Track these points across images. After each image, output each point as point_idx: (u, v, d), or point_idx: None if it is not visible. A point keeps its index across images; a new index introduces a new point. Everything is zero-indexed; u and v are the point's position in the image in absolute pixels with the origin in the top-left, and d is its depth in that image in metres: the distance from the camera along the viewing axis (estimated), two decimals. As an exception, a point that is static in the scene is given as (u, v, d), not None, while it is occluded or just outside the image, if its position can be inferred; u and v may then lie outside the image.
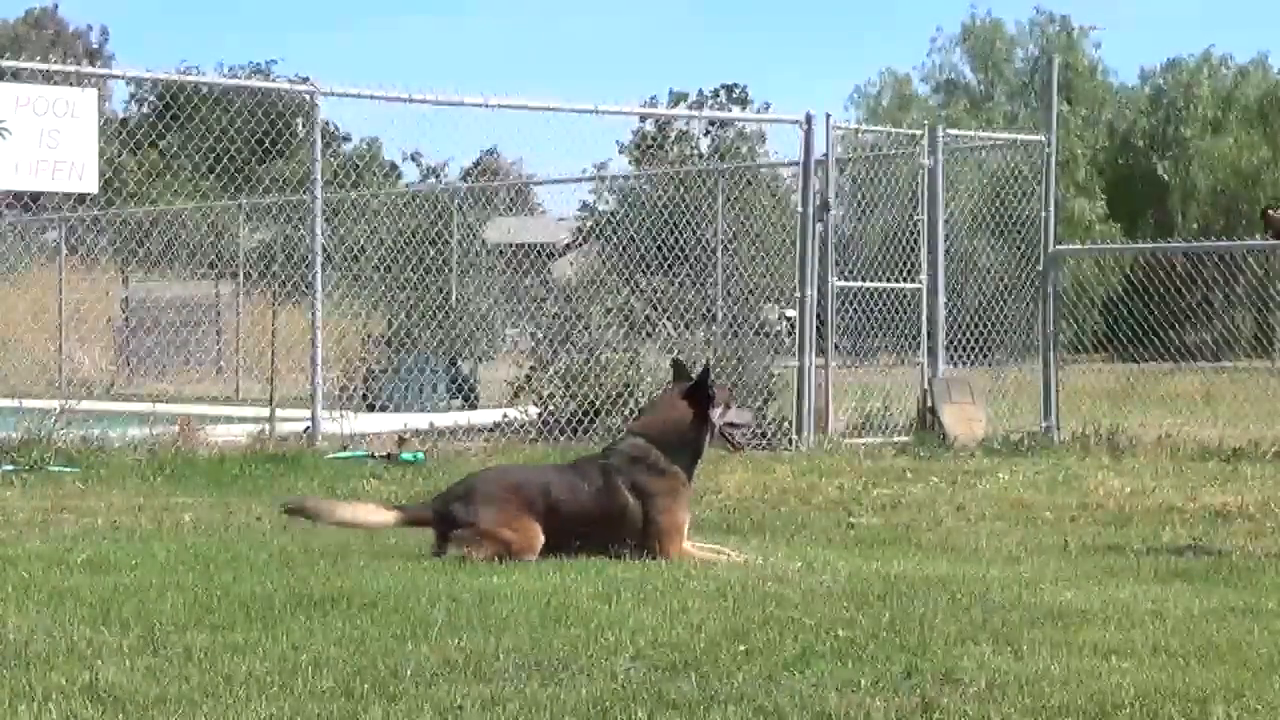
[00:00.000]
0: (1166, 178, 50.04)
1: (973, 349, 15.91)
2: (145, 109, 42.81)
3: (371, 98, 13.90)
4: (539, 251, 19.69)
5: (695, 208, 17.32)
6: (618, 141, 33.01)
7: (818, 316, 14.64)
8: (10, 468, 11.30)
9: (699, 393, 7.40)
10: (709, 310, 16.72)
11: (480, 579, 6.44)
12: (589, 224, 23.74)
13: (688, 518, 7.37)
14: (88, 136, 12.62)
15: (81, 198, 18.06)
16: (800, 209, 14.71)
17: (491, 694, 4.51)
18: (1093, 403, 15.97)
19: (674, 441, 7.32)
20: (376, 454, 12.64)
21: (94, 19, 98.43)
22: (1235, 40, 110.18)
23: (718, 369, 15.19)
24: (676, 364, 7.87)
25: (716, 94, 53.81)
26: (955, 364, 15.65)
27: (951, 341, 15.55)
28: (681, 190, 17.73)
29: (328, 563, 6.94)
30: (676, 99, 51.85)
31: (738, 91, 55.37)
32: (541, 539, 7.13)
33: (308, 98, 13.77)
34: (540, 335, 16.51)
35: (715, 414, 7.41)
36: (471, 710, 4.37)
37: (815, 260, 14.60)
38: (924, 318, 15.25)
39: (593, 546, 7.22)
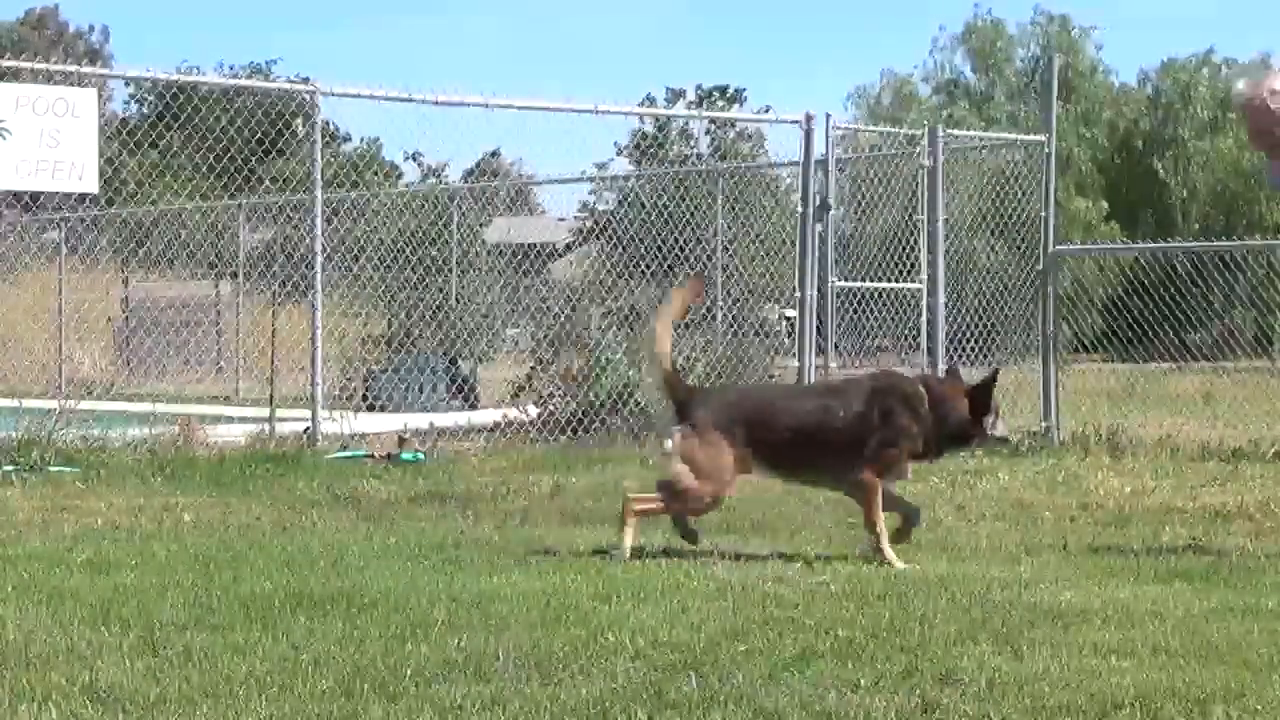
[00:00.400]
0: (1166, 178, 50.03)
1: (973, 349, 15.89)
2: (145, 109, 42.77)
3: (371, 98, 13.89)
4: (539, 251, 19.67)
5: (695, 208, 17.30)
6: (615, 143, 32.93)
7: (818, 316, 14.63)
8: (10, 468, 11.28)
9: (981, 398, 7.60)
10: (709, 310, 16.71)
11: (480, 579, 6.44)
12: (589, 224, 23.74)
13: (900, 466, 7.56)
14: (88, 136, 12.61)
15: (82, 198, 18.05)
16: (800, 209, 14.70)
17: (491, 694, 4.51)
18: (1093, 403, 15.96)
19: (947, 425, 7.51)
20: (376, 454, 12.64)
21: (94, 19, 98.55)
22: (1235, 41, 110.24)
23: (719, 369, 15.27)
24: (951, 368, 8.15)
25: (710, 94, 53.66)
26: (955, 364, 15.62)
27: (951, 341, 15.53)
28: (681, 190, 17.71)
29: (328, 563, 6.94)
30: (675, 97, 51.74)
31: (731, 92, 55.26)
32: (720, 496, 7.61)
33: (308, 98, 13.76)
34: (540, 335, 16.50)
35: (988, 421, 7.63)
36: (471, 710, 4.37)
37: (815, 260, 14.59)
38: (924, 318, 15.24)
39: (838, 472, 7.51)
